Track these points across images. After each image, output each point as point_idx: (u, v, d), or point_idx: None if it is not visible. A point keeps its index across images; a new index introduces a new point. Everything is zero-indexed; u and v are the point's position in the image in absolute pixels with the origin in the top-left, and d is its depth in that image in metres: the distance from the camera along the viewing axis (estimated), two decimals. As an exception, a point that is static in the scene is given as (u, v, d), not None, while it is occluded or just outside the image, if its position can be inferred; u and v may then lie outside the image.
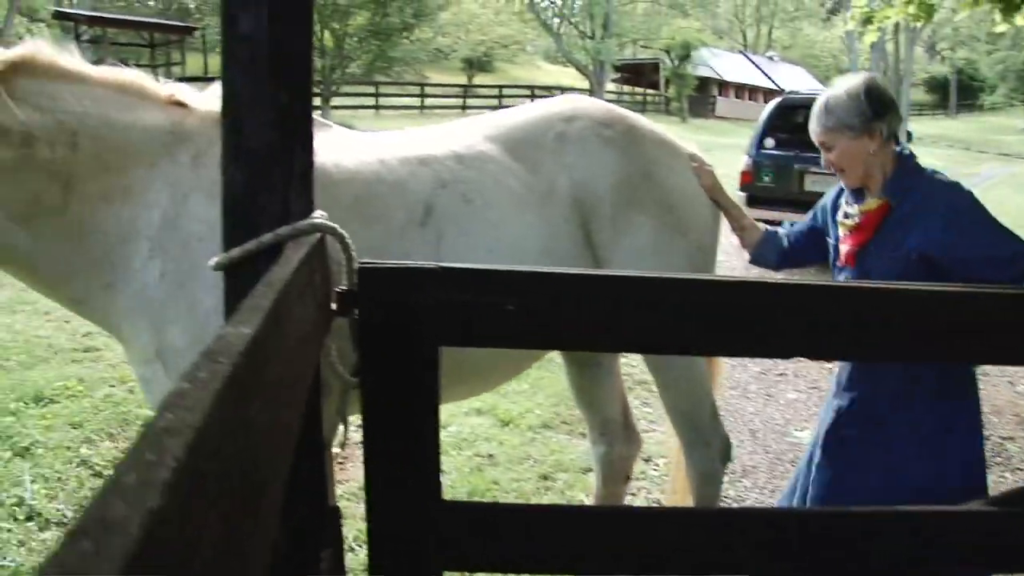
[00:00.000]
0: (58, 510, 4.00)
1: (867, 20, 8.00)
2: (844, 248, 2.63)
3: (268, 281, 1.14)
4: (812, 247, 2.83)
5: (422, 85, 36.49)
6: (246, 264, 1.65)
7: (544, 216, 2.48)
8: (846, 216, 2.62)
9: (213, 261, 1.68)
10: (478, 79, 45.98)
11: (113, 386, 5.52)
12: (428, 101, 35.28)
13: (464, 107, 36.47)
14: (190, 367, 0.69)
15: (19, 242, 2.06)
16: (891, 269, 2.44)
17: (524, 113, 2.73)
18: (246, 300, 0.98)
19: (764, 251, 2.88)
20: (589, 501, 4.20)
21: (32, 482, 4.17)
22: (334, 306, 1.73)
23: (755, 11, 76.21)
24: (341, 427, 1.88)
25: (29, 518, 3.95)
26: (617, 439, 3.35)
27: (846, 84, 2.54)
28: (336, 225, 1.68)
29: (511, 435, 5.07)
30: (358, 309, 1.71)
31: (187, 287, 2.07)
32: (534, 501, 4.20)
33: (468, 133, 2.55)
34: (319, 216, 1.69)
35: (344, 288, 1.72)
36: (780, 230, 2.90)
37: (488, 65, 49.78)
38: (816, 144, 2.60)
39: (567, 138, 2.60)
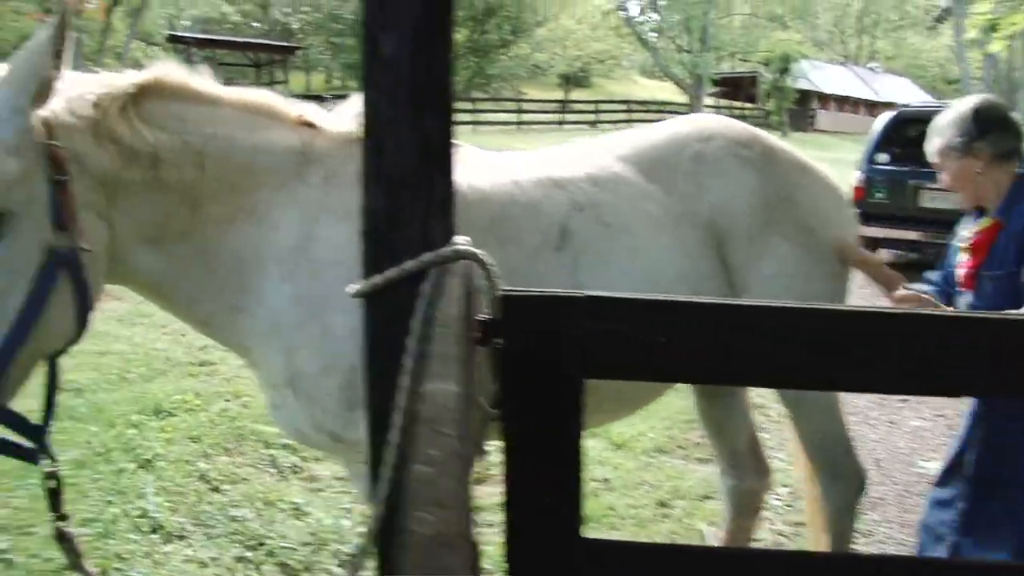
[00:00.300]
0: (179, 524, 4.08)
1: (991, 28, 7.63)
2: (960, 272, 2.60)
3: (442, 321, 1.09)
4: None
5: (519, 101, 36.69)
6: (387, 292, 1.62)
7: (680, 239, 2.40)
8: (963, 239, 2.58)
9: (353, 288, 1.65)
10: (575, 94, 45.96)
11: (228, 400, 5.63)
12: (525, 117, 35.41)
13: (561, 123, 36.47)
14: (419, 439, 0.63)
15: (148, 263, 2.05)
16: (1002, 291, 2.35)
17: (657, 133, 2.65)
18: (434, 345, 0.93)
19: None
20: (709, 530, 4.07)
21: (155, 495, 4.27)
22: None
23: (857, 22, 74.18)
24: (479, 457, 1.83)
25: (153, 530, 4.04)
26: (747, 472, 3.23)
27: (959, 105, 2.55)
28: (480, 251, 1.62)
29: (625, 459, 4.96)
30: (502, 338, 1.66)
31: (319, 313, 2.05)
32: (652, 529, 4.10)
33: (600, 154, 2.48)
34: (463, 242, 1.64)
35: (487, 317, 1.67)
36: (927, 287, 2.77)
37: (585, 80, 49.71)
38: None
39: (704, 158, 2.51)
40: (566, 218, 2.25)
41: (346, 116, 2.19)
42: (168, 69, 2.07)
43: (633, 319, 1.61)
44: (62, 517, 1.89)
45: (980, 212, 2.61)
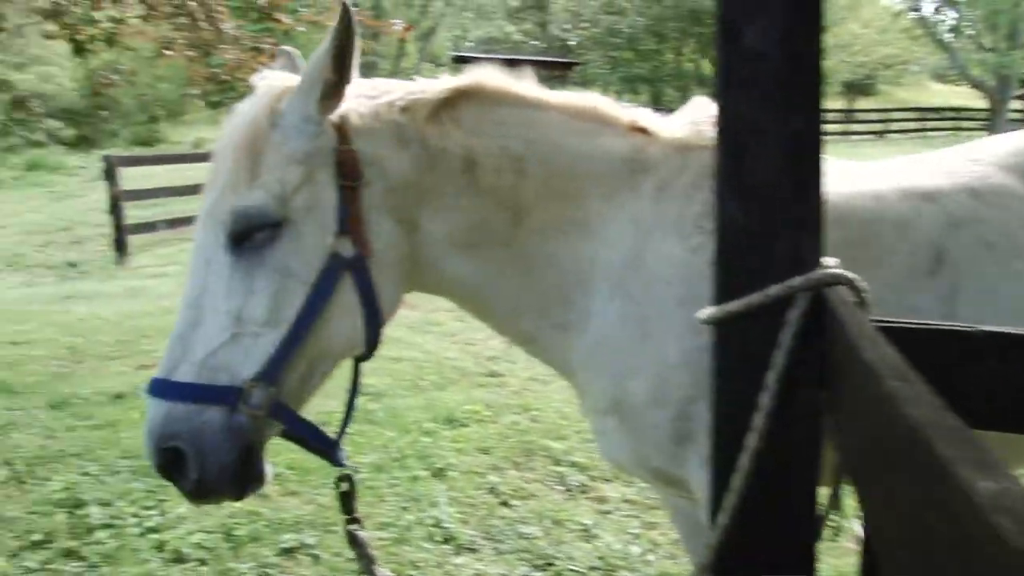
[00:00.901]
0: (470, 536, 4.08)
1: None
2: None
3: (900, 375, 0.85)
4: None
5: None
6: (744, 320, 1.40)
7: None
8: None
9: (705, 313, 1.44)
10: (860, 103, 43.32)
11: (517, 414, 5.64)
12: (807, 127, 33.67)
13: (845, 133, 34.51)
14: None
15: (462, 271, 1.97)
16: None
17: None
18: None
19: None
20: None
21: (447, 504, 4.31)
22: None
23: None
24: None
25: (445, 541, 4.07)
26: None
27: None
28: (854, 276, 1.36)
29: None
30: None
31: (652, 336, 1.85)
32: None
33: (976, 161, 2.08)
34: (833, 264, 1.39)
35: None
36: None
37: (870, 88, 46.79)
38: None
39: None
40: (941, 237, 1.89)
41: (681, 121, 1.99)
42: (487, 74, 1.99)
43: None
44: (354, 520, 1.94)
45: None
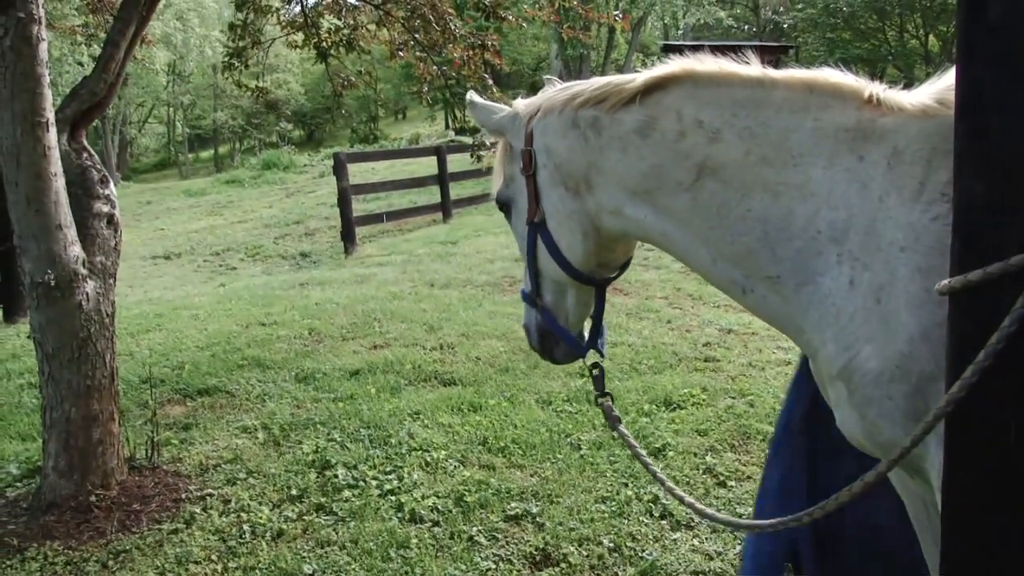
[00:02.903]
0: (687, 513, 4.15)
1: None
2: None
3: None
4: None
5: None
6: (984, 290, 1.41)
7: None
8: None
9: (942, 285, 1.46)
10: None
11: (734, 398, 5.64)
12: None
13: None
14: None
15: (640, 215, 2.21)
16: None
17: None
18: None
19: None
20: None
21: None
22: None
23: None
24: None
25: (662, 516, 4.17)
26: None
27: None
28: None
29: None
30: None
31: (884, 303, 1.86)
32: None
33: None
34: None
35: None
36: None
37: None
38: None
39: None
40: None
41: (925, 92, 1.99)
42: (697, 60, 2.13)
43: None
44: (605, 395, 2.57)
45: None
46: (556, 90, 2.39)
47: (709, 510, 2.33)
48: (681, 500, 2.37)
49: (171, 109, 51.42)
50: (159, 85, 44.97)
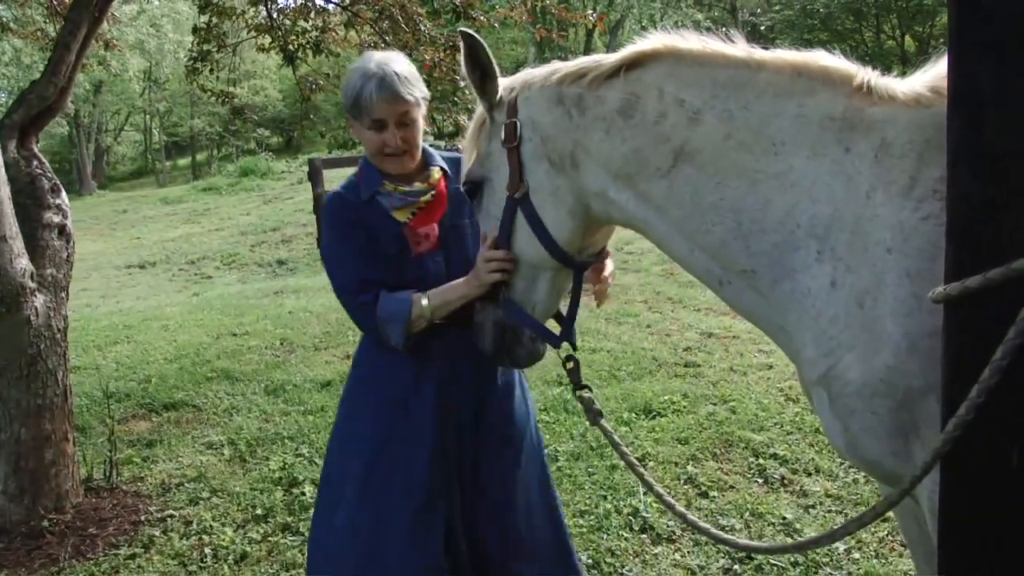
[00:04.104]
0: (668, 526, 4.01)
1: None
2: None
3: None
4: None
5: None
6: (983, 298, 1.26)
7: None
8: None
9: (936, 292, 1.32)
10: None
11: (715, 404, 5.50)
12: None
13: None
14: None
15: (621, 199, 2.12)
16: None
17: None
18: None
19: None
20: None
21: (645, 494, 4.25)
22: None
23: None
24: None
25: (643, 530, 4.01)
26: None
27: None
28: None
29: None
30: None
31: (868, 308, 1.70)
32: None
33: None
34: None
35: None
36: None
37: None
38: None
39: None
40: None
41: (919, 80, 1.83)
42: (679, 36, 2.04)
43: None
44: (584, 387, 2.51)
45: None
46: (540, 68, 2.31)
47: (726, 535, 2.20)
48: (672, 508, 2.30)
49: (147, 116, 50.94)
50: (134, 92, 44.50)
